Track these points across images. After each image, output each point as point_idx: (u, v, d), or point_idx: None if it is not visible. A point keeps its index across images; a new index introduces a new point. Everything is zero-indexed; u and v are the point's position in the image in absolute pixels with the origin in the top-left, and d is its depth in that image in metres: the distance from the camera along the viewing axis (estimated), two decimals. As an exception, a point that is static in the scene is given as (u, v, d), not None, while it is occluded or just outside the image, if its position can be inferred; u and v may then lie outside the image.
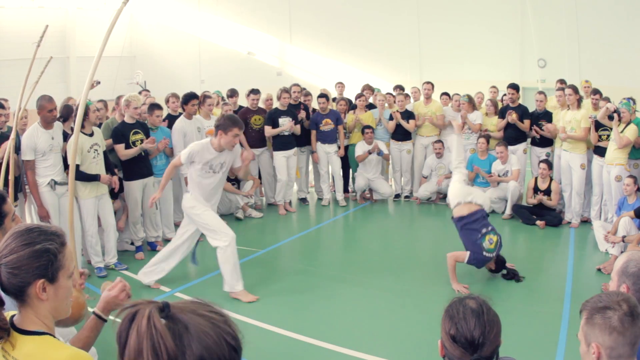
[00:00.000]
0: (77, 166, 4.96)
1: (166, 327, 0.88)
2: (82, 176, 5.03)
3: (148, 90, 8.29)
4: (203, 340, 0.89)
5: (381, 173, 8.04)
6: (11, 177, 4.61)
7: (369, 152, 7.71)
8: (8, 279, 1.38)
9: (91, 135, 5.17)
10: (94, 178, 5.12)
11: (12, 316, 1.43)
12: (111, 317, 1.65)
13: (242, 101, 7.97)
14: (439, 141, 7.82)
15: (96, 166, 5.17)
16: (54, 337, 1.42)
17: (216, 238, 4.69)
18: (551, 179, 6.79)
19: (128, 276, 5.31)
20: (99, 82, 7.23)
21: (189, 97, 6.30)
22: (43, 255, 1.40)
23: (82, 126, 5.03)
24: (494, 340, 1.63)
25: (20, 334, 1.37)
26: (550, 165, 6.76)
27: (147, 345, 0.86)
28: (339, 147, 7.93)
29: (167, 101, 6.84)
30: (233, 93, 7.88)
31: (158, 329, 0.87)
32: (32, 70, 4.62)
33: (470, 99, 7.75)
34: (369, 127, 7.77)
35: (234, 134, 4.50)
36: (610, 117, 5.97)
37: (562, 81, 7.55)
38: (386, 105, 8.23)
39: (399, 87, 8.95)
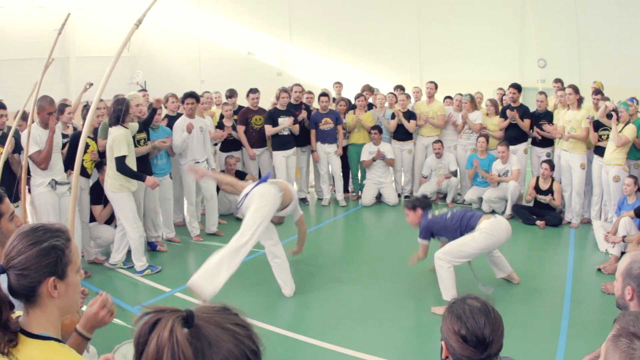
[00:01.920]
0: (125, 158, 5.11)
1: (188, 340, 0.86)
2: (126, 170, 5.14)
3: (146, 90, 8.29)
4: (225, 358, 0.88)
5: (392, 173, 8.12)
6: (23, 176, 4.63)
7: (373, 160, 7.76)
8: (18, 281, 1.38)
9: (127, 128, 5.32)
10: (138, 177, 5.24)
11: (17, 317, 1.42)
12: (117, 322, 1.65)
13: (242, 101, 7.97)
14: (438, 141, 7.83)
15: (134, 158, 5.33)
16: (58, 340, 1.40)
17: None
18: (553, 179, 6.79)
19: (130, 277, 5.32)
20: (91, 84, 7.24)
21: (184, 97, 6.38)
22: (51, 253, 1.40)
23: (124, 120, 5.17)
24: (500, 338, 1.63)
25: (25, 336, 1.36)
26: (552, 165, 6.76)
27: (167, 355, 0.85)
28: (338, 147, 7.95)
29: (166, 101, 6.84)
30: (232, 93, 7.89)
31: (180, 342, 0.85)
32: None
33: (472, 98, 7.75)
34: (376, 127, 7.80)
35: None
36: (609, 116, 5.98)
37: (558, 80, 7.57)
38: (387, 104, 8.24)
39: (400, 87, 8.95)
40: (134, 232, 5.24)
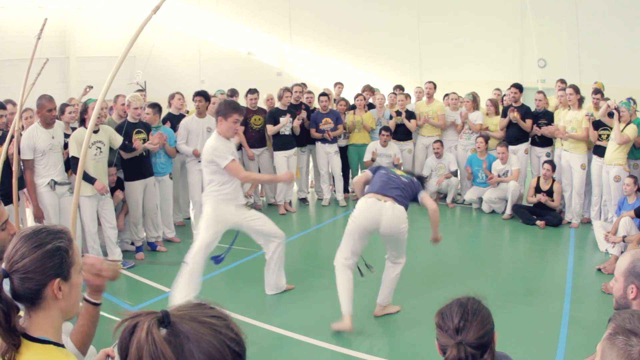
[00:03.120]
0: (77, 159, 4.98)
1: (166, 339, 0.88)
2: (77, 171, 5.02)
3: (143, 90, 8.28)
4: (205, 349, 0.89)
5: None
6: (15, 179, 4.61)
7: (372, 160, 7.73)
8: (23, 284, 1.36)
9: (96, 132, 5.15)
10: (89, 180, 5.09)
11: (19, 318, 1.41)
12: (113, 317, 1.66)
13: (243, 101, 7.97)
14: (438, 141, 7.82)
15: (97, 164, 5.16)
16: (58, 344, 1.39)
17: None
18: (554, 180, 6.79)
19: (130, 276, 5.32)
20: (91, 87, 7.22)
21: (194, 95, 6.36)
22: (56, 254, 1.39)
23: (83, 122, 5.09)
24: (477, 328, 1.66)
25: (26, 340, 1.35)
26: (554, 166, 6.75)
27: (146, 357, 0.86)
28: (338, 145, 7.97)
29: (171, 98, 6.81)
30: (233, 93, 7.90)
31: (157, 342, 0.87)
32: (32, 66, 4.61)
33: (474, 98, 7.74)
34: (386, 128, 7.77)
35: (234, 119, 4.25)
36: (611, 115, 5.97)
37: (562, 81, 7.56)
38: (386, 104, 8.24)
39: (399, 87, 8.95)
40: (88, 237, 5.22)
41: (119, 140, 5.38)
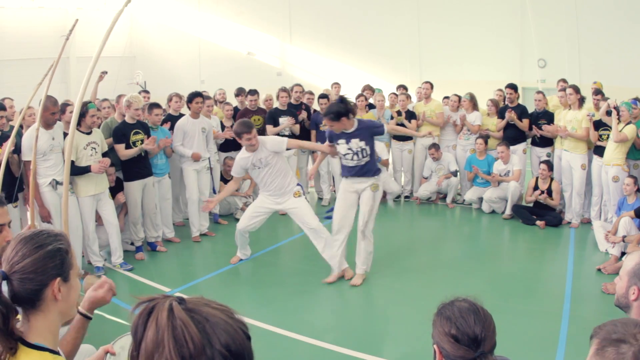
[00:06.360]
0: (72, 162, 4.98)
1: (188, 316, 0.89)
2: (74, 170, 4.99)
3: (147, 92, 8.27)
4: (226, 329, 0.90)
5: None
6: (32, 180, 4.60)
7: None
8: (23, 285, 1.36)
9: (89, 133, 5.19)
10: (85, 170, 5.07)
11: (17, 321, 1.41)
12: (100, 312, 1.65)
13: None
14: (433, 145, 7.78)
15: (94, 164, 5.16)
16: (53, 352, 1.39)
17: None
18: (552, 179, 6.79)
19: (129, 277, 5.32)
20: (106, 72, 7.13)
21: (193, 95, 6.34)
22: (57, 255, 1.41)
23: (79, 125, 5.06)
24: (492, 335, 1.61)
25: (22, 345, 1.35)
26: (550, 166, 6.75)
27: (168, 336, 0.86)
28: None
29: (169, 100, 6.82)
30: (239, 92, 7.93)
31: (182, 319, 0.87)
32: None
33: (472, 97, 7.74)
34: None
35: (245, 139, 4.98)
36: (608, 113, 5.97)
37: (564, 81, 7.56)
38: (386, 105, 8.23)
39: (402, 87, 8.94)
40: (86, 237, 5.22)
41: (105, 146, 5.40)
